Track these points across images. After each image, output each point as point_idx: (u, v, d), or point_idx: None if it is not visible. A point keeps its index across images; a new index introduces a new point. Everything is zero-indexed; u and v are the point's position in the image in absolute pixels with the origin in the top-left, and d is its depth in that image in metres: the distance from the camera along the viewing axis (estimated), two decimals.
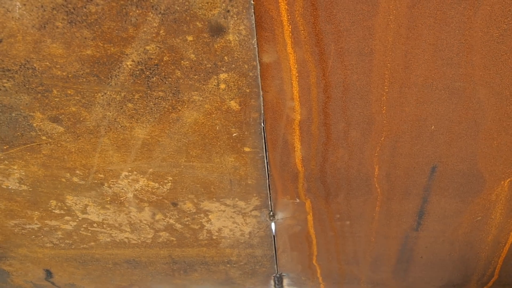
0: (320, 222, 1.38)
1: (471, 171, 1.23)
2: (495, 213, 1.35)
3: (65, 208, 1.28)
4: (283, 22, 0.93)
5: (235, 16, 0.88)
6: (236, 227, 1.38)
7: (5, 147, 1.11)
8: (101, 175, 1.19)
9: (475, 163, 1.20)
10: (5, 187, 1.21)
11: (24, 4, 0.85)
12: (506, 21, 0.93)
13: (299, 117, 1.09)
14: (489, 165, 1.21)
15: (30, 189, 1.22)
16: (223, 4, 0.86)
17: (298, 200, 1.31)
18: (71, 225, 1.34)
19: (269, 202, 1.31)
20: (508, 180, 1.25)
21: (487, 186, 1.27)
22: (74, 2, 0.85)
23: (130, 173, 1.18)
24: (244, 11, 0.88)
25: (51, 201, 1.26)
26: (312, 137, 1.13)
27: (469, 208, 1.34)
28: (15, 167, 1.16)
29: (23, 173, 1.18)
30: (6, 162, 1.15)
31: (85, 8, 0.86)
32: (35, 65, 0.94)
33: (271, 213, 1.35)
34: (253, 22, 0.91)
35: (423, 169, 1.22)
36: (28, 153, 1.12)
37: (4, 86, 0.97)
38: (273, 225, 1.40)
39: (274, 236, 1.44)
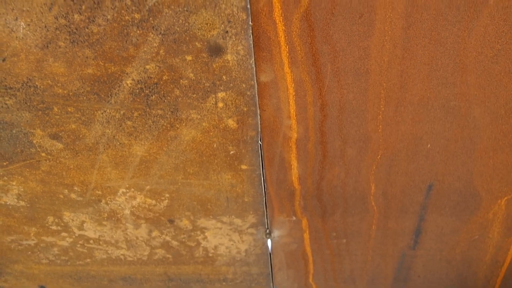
0: (316, 240, 1.41)
1: (467, 189, 1.25)
2: (493, 232, 1.38)
3: (62, 224, 1.32)
4: (281, 43, 0.97)
5: (233, 36, 0.93)
6: (232, 244, 1.41)
7: (4, 163, 1.14)
8: (99, 192, 1.22)
9: (471, 181, 1.23)
10: (3, 203, 1.25)
11: (28, 25, 0.89)
12: (499, 41, 0.96)
13: (295, 135, 1.12)
14: (485, 184, 1.24)
15: (28, 205, 1.25)
16: (222, 25, 0.91)
17: (294, 218, 1.34)
18: (67, 242, 1.37)
19: (266, 220, 1.34)
20: (505, 199, 1.28)
21: (484, 204, 1.29)
22: (77, 23, 0.90)
23: (127, 190, 1.22)
24: (242, 32, 0.92)
25: (48, 217, 1.29)
26: (308, 155, 1.17)
27: (466, 227, 1.36)
28: (14, 183, 1.20)
29: (22, 189, 1.21)
30: (5, 178, 1.18)
31: (88, 28, 0.90)
32: (37, 83, 0.98)
33: (268, 231, 1.37)
34: (251, 42, 0.95)
35: (420, 187, 1.25)
36: (27, 169, 1.16)
37: (6, 104, 1.02)
38: (269, 243, 1.42)
39: (270, 254, 1.46)
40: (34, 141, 1.09)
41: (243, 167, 1.16)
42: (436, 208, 1.31)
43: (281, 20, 0.94)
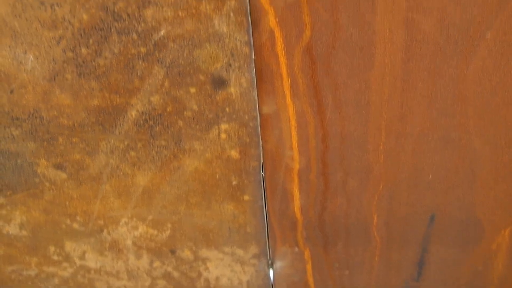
0: (319, 271, 1.40)
1: (470, 220, 1.25)
2: (497, 263, 1.37)
3: (63, 254, 1.33)
4: (283, 75, 0.99)
5: (236, 69, 0.96)
6: (234, 275, 1.41)
7: (8, 193, 1.16)
8: (101, 222, 1.24)
9: (473, 212, 1.23)
10: (5, 232, 1.26)
11: (37, 58, 0.93)
12: (498, 74, 0.98)
13: (297, 166, 1.14)
14: (488, 214, 1.24)
15: (30, 235, 1.27)
16: (226, 59, 0.94)
17: (297, 249, 1.34)
18: (68, 272, 1.38)
19: (268, 251, 1.34)
20: (508, 229, 1.28)
21: (487, 235, 1.29)
22: (84, 56, 0.93)
23: (130, 220, 1.23)
24: (246, 65, 0.95)
25: (50, 246, 1.30)
26: (310, 186, 1.18)
27: (470, 258, 1.36)
28: (17, 213, 1.21)
29: (24, 219, 1.23)
30: (8, 208, 1.20)
31: (94, 61, 0.94)
32: (43, 114, 1.01)
33: (270, 262, 1.37)
34: (254, 75, 0.97)
35: (422, 218, 1.25)
36: (31, 199, 1.18)
37: (12, 134, 1.04)
38: (271, 274, 1.42)
39: (272, 285, 1.45)
40: (38, 171, 1.11)
41: (246, 197, 1.18)
42: (439, 239, 1.31)
43: (283, 53, 0.96)
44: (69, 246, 1.30)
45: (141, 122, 1.03)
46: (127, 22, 0.89)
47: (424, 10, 0.90)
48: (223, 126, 1.04)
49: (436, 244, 1.32)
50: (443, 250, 1.34)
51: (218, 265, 1.36)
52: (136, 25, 0.90)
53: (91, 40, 0.91)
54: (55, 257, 1.33)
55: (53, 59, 0.93)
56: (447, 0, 0.89)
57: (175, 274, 1.39)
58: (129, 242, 1.29)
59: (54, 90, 0.97)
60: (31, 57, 0.92)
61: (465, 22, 0.91)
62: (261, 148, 1.09)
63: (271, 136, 1.08)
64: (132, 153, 1.08)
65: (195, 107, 1.01)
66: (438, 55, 0.96)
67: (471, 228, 1.27)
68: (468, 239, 1.30)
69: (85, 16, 0.88)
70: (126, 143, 1.06)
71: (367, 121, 1.06)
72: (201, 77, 0.97)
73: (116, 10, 0.88)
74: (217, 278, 1.41)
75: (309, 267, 1.39)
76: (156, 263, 1.35)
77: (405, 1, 0.89)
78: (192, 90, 0.98)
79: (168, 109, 1.01)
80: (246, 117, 1.03)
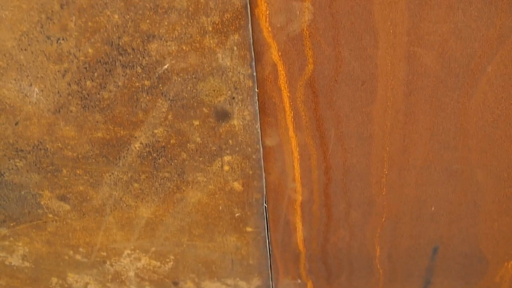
0: None
1: (473, 252, 1.23)
2: None
3: (66, 286, 1.30)
4: (285, 108, 0.98)
5: (240, 102, 0.95)
6: None
7: (11, 224, 1.14)
8: (104, 253, 1.21)
9: (477, 244, 1.21)
10: (8, 263, 1.24)
11: (42, 90, 0.92)
12: (499, 107, 0.97)
13: (300, 198, 1.12)
14: (491, 247, 1.22)
15: (33, 266, 1.24)
16: (229, 92, 0.93)
17: (299, 281, 1.31)
18: None
19: (271, 283, 1.31)
20: (511, 262, 1.25)
21: (491, 268, 1.27)
22: (89, 89, 0.92)
23: (132, 252, 1.21)
24: (249, 98, 0.94)
25: (52, 278, 1.27)
26: (313, 218, 1.16)
27: None
28: (20, 244, 1.19)
29: (27, 250, 1.20)
30: (11, 239, 1.18)
31: (99, 94, 0.93)
32: (47, 146, 1.00)
33: None
34: (257, 108, 0.96)
35: (425, 250, 1.23)
36: (34, 230, 1.16)
37: (16, 166, 1.03)
38: None
39: None
40: (42, 203, 1.10)
41: (248, 229, 1.16)
42: (442, 271, 1.28)
43: (286, 87, 0.96)
44: (71, 277, 1.28)
45: (145, 154, 1.01)
46: (131, 56, 0.89)
47: (425, 44, 0.90)
48: (226, 158, 1.03)
49: (440, 276, 1.29)
50: (447, 283, 1.31)
51: None
52: (140, 58, 0.89)
53: (96, 73, 0.90)
54: None
55: (58, 92, 0.92)
56: (448, 34, 0.88)
57: None
58: (131, 273, 1.26)
59: (58, 122, 0.96)
60: (36, 89, 0.92)
61: (466, 56, 0.91)
62: (264, 180, 1.08)
63: (274, 168, 1.07)
64: (136, 185, 1.07)
65: (198, 139, 1.00)
66: (439, 88, 0.95)
67: (474, 260, 1.25)
68: (472, 271, 1.28)
69: (90, 50, 0.88)
70: (129, 175, 1.05)
71: (369, 154, 1.04)
72: (205, 110, 0.95)
73: (121, 44, 0.87)
74: None
75: None
76: None
77: (406, 35, 0.89)
78: (196, 122, 0.97)
79: (171, 142, 1.00)
80: (249, 149, 1.01)
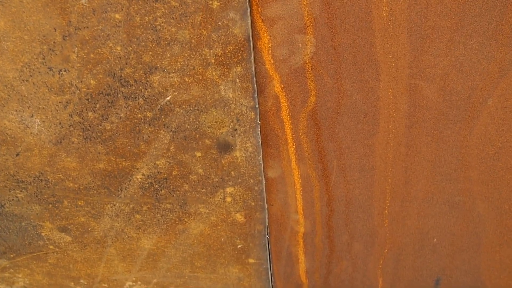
0: None
1: (475, 283, 1.19)
2: None
3: None
4: (288, 140, 0.94)
5: (242, 134, 0.90)
6: None
7: (12, 256, 1.08)
8: (105, 285, 1.15)
9: (479, 275, 1.17)
10: None
11: (43, 121, 0.87)
12: (500, 139, 0.94)
13: (303, 230, 1.07)
14: (493, 278, 1.17)
15: None
16: (231, 124, 0.88)
17: None
18: None
19: None
20: None
21: None
22: (91, 120, 0.87)
23: (134, 283, 1.14)
24: (251, 130, 0.89)
25: None
26: (316, 249, 1.11)
27: None
28: (20, 276, 1.12)
29: (27, 282, 1.14)
30: (11, 270, 1.11)
31: (101, 125, 0.88)
32: (48, 177, 0.94)
33: None
34: (259, 140, 0.92)
35: (427, 281, 1.18)
36: (34, 262, 1.09)
37: (17, 197, 0.97)
38: None
39: None
40: (43, 234, 1.04)
41: (251, 261, 1.10)
42: None
43: (288, 119, 0.91)
44: None
45: (147, 185, 0.96)
46: (134, 88, 0.84)
47: (427, 77, 0.86)
48: (229, 190, 0.97)
49: None
50: None
51: None
52: (143, 90, 0.84)
53: (98, 105, 0.85)
54: None
55: (60, 123, 0.87)
56: (449, 67, 0.85)
57: None
58: None
59: (60, 154, 0.91)
60: (37, 121, 0.86)
61: (467, 89, 0.87)
62: (266, 212, 1.02)
63: (277, 199, 1.02)
64: (137, 216, 1.01)
65: (200, 171, 0.94)
66: (441, 121, 0.91)
67: None
68: None
69: (92, 82, 0.83)
70: (131, 206, 0.99)
71: (371, 186, 1.00)
72: (207, 142, 0.90)
73: (123, 75, 0.82)
74: None
75: None
76: None
77: (408, 68, 0.85)
78: (198, 154, 0.92)
79: (173, 173, 0.94)
80: (252, 181, 0.96)
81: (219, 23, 0.78)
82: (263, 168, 0.96)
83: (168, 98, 0.85)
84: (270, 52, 0.84)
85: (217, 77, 0.83)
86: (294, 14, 0.80)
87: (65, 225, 1.02)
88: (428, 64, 0.85)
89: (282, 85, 0.88)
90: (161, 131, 0.89)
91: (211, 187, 0.97)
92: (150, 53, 0.80)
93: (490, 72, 0.86)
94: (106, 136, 0.89)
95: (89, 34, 0.78)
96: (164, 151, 0.91)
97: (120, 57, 0.80)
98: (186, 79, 0.83)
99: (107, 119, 0.87)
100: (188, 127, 0.88)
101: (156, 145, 0.90)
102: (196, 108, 0.86)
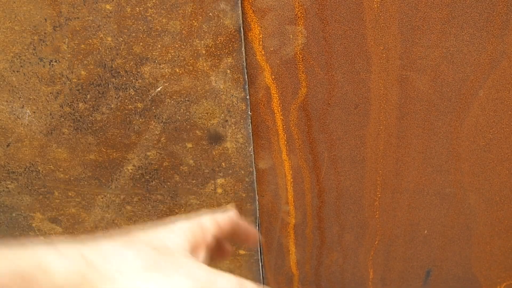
0: None
1: (466, 275, 1.21)
2: None
3: None
4: (279, 131, 0.96)
5: (233, 125, 0.92)
6: None
7: None
8: None
9: (469, 267, 1.19)
10: None
11: (34, 112, 0.88)
12: (491, 131, 0.95)
13: (293, 221, 1.09)
14: (483, 269, 1.20)
15: None
16: (222, 115, 0.90)
17: None
18: None
19: None
20: (504, 285, 1.23)
21: None
22: (81, 111, 0.89)
23: None
24: (242, 121, 0.91)
25: None
26: (306, 241, 1.13)
27: None
28: None
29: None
30: None
31: (91, 116, 0.89)
32: (39, 168, 0.96)
33: None
34: (250, 131, 0.94)
35: (418, 273, 1.20)
36: None
37: (8, 188, 0.99)
38: None
39: None
40: (34, 225, 1.06)
41: (241, 252, 1.12)
42: None
43: (279, 110, 0.93)
44: None
45: (138, 176, 0.98)
46: (124, 78, 0.86)
47: (418, 68, 0.88)
48: (219, 181, 0.99)
49: None
50: None
51: None
52: (133, 81, 0.86)
53: (88, 96, 0.87)
54: None
55: (51, 114, 0.89)
56: (440, 59, 0.87)
57: None
58: None
59: (51, 144, 0.93)
60: (28, 111, 0.88)
61: (458, 81, 0.89)
62: (257, 203, 1.05)
63: (267, 191, 1.04)
64: (128, 207, 1.03)
65: (191, 162, 0.96)
66: (432, 112, 0.93)
67: (467, 283, 1.23)
68: None
69: (83, 72, 0.85)
70: (122, 197, 1.01)
71: (362, 177, 1.02)
72: (198, 133, 0.92)
73: (114, 66, 0.84)
74: None
75: None
76: None
77: (399, 60, 0.87)
78: (189, 145, 0.94)
79: (164, 164, 0.96)
80: (242, 172, 0.98)
81: (210, 14, 0.80)
82: (254, 159, 0.98)
83: (159, 89, 0.87)
84: (261, 43, 0.86)
85: (208, 68, 0.85)
86: (285, 5, 0.82)
87: (55, 216, 1.04)
88: (419, 55, 0.87)
89: (273, 76, 0.89)
90: (152, 122, 0.91)
91: (202, 178, 0.99)
92: (141, 44, 0.82)
93: (481, 63, 0.87)
94: (97, 127, 0.91)
95: (79, 24, 0.80)
96: (155, 142, 0.93)
97: (110, 48, 0.82)
98: (177, 70, 0.85)
99: (98, 110, 0.89)
100: (179, 118, 0.90)
101: (147, 136, 0.92)
102: (187, 99, 0.88)
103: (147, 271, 0.44)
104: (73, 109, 0.89)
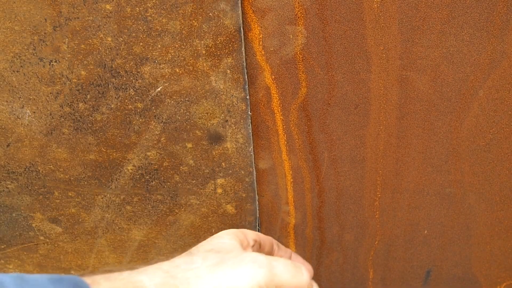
0: None
1: (466, 275, 1.21)
2: None
3: None
4: (279, 131, 0.96)
5: (233, 125, 0.92)
6: None
7: (2, 247, 1.10)
8: None
9: (469, 267, 1.19)
10: None
11: (34, 112, 0.89)
12: (491, 131, 0.96)
13: (293, 221, 1.09)
14: (483, 269, 1.20)
15: None
16: (222, 115, 0.90)
17: None
18: None
19: None
20: (504, 285, 1.23)
21: None
22: (81, 111, 0.89)
23: None
24: (242, 121, 0.92)
25: None
26: (306, 241, 1.13)
27: None
28: (11, 266, 1.15)
29: (18, 272, 1.16)
30: (2, 261, 1.13)
31: (91, 116, 0.90)
32: (39, 168, 0.96)
33: None
34: (250, 131, 0.94)
35: (418, 273, 1.21)
36: (25, 253, 1.12)
37: (8, 188, 0.99)
38: None
39: None
40: (33, 225, 1.06)
41: None
42: None
43: (279, 110, 0.94)
44: None
45: (138, 176, 0.98)
46: (124, 78, 0.86)
47: (418, 68, 0.88)
48: (219, 181, 1.00)
49: None
50: None
51: None
52: (133, 81, 0.86)
53: (88, 96, 0.87)
54: None
55: (51, 114, 0.89)
56: (440, 59, 0.87)
57: None
58: None
59: (50, 144, 0.93)
60: (28, 111, 0.88)
61: (458, 81, 0.89)
62: (257, 203, 1.05)
63: (267, 191, 1.04)
64: (128, 208, 1.03)
65: (191, 162, 0.97)
66: (432, 112, 0.93)
67: (467, 283, 1.23)
68: None
69: (83, 72, 0.85)
70: (122, 197, 1.01)
71: (362, 177, 1.02)
72: (198, 133, 0.93)
73: (113, 66, 0.85)
74: None
75: None
76: None
77: (399, 60, 0.87)
78: (189, 145, 0.94)
79: (164, 164, 0.97)
80: (242, 172, 0.98)
81: (210, 14, 0.80)
82: (254, 160, 0.98)
83: (159, 89, 0.87)
84: (261, 43, 0.86)
85: (208, 68, 0.86)
86: (285, 5, 0.82)
87: (55, 216, 1.04)
88: (419, 55, 0.87)
89: (273, 76, 0.90)
90: (152, 122, 0.91)
91: (202, 178, 0.99)
92: (141, 44, 0.82)
93: (481, 63, 0.87)
94: (97, 127, 0.91)
95: (79, 24, 0.80)
96: (155, 142, 0.93)
97: (111, 48, 0.83)
98: (177, 70, 0.86)
99: (98, 110, 0.89)
100: (179, 118, 0.90)
101: (147, 136, 0.92)
102: (187, 99, 0.88)
103: (216, 267, 0.57)
104: (73, 109, 0.89)
